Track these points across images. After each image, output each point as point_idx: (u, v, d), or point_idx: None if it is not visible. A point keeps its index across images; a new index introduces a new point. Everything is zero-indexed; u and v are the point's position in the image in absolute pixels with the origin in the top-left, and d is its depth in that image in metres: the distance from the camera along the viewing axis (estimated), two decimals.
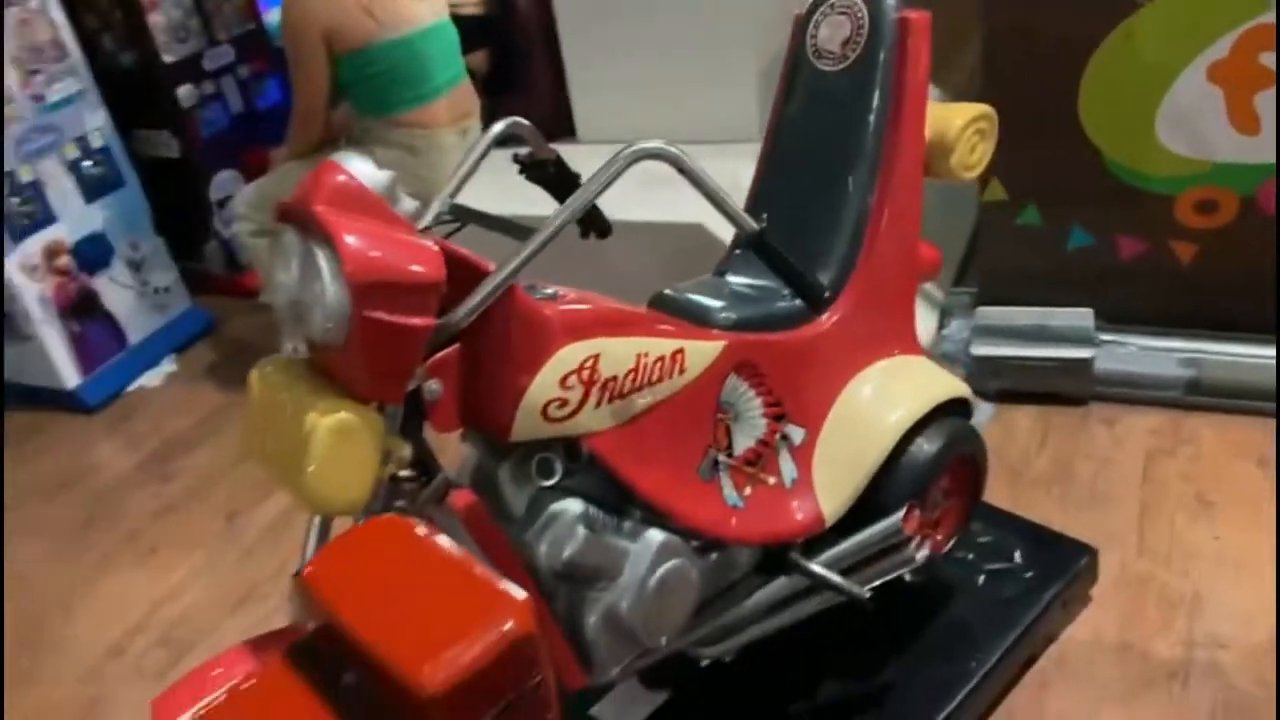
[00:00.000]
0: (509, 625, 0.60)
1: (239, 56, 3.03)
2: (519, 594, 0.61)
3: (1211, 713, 1.37)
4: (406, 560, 0.68)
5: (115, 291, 2.77)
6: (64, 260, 2.63)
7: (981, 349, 2.05)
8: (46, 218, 2.58)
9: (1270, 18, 1.75)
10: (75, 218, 2.66)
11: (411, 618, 0.60)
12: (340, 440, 1.01)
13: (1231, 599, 1.51)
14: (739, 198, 1.37)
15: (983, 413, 2.04)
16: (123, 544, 2.17)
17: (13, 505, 2.39)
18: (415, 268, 1.02)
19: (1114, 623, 1.52)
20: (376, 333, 1.01)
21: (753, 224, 1.22)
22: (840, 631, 1.46)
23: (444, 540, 0.72)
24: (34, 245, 2.56)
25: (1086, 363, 1.98)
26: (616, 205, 1.44)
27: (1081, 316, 2.02)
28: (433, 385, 1.08)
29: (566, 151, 1.42)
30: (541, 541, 1.17)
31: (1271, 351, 1.89)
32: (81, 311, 2.69)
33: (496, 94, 2.56)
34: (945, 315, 2.24)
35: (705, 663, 1.44)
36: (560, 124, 2.47)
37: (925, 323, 2.36)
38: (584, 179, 1.20)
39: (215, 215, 3.09)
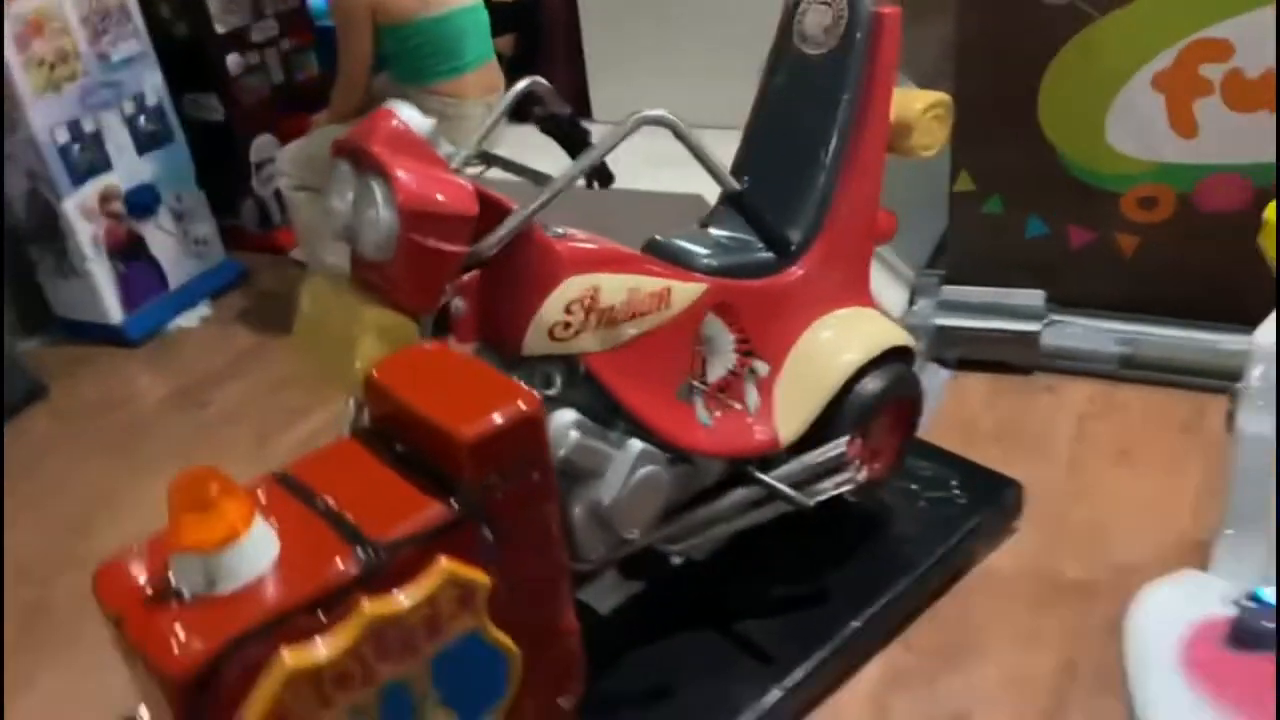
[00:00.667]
0: (523, 405, 0.83)
1: (282, 31, 3.26)
2: (533, 394, 0.84)
3: (1111, 624, 1.59)
4: (449, 368, 0.91)
5: (159, 238, 3.00)
6: (116, 205, 2.87)
7: (943, 320, 2.29)
8: (104, 165, 2.81)
9: (1210, 33, 1.97)
10: (128, 167, 2.89)
11: (453, 399, 0.84)
12: (384, 336, 1.24)
13: (1139, 533, 1.74)
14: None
15: (941, 376, 2.28)
16: (161, 458, 2.40)
17: (60, 425, 2.63)
18: (454, 201, 1.25)
19: (1034, 549, 1.75)
20: (419, 253, 1.24)
21: (735, 184, 1.46)
22: (793, 542, 1.70)
23: (478, 365, 0.96)
24: (91, 189, 2.79)
25: (1034, 336, 2.21)
26: (629, 178, 1.69)
27: (1033, 297, 2.25)
28: (458, 303, 1.32)
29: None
30: None
31: (1198, 334, 2.12)
32: (128, 253, 2.92)
33: (521, 74, 2.79)
34: (916, 293, 2.47)
35: (676, 560, 1.69)
36: (578, 104, 2.70)
37: (898, 298, 2.60)
38: (594, 138, 1.44)
39: (253, 176, 3.33)
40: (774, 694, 1.47)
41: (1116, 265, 2.22)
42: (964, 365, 2.28)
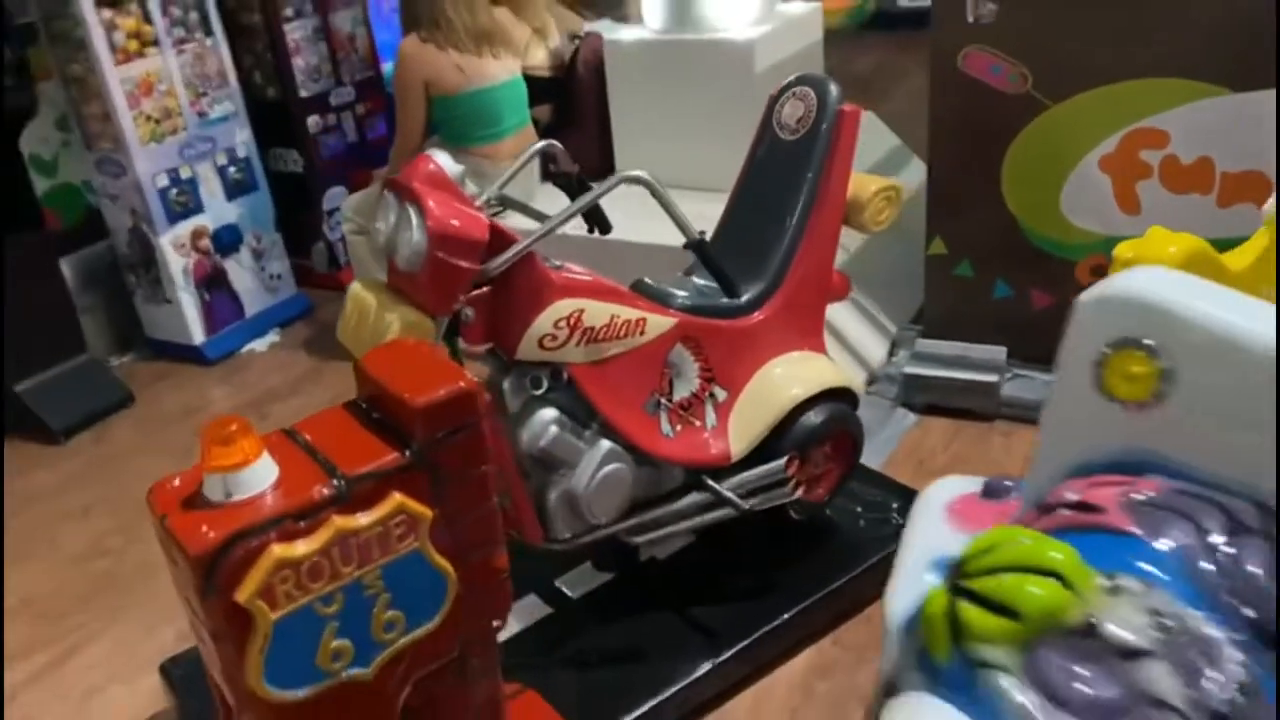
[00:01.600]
0: (463, 384, 1.12)
1: (357, 96, 3.69)
2: (473, 379, 1.14)
3: None
4: (417, 358, 1.21)
5: (239, 272, 3.42)
6: (205, 242, 3.29)
7: (912, 369, 2.53)
8: (197, 207, 3.24)
9: (1149, 123, 2.21)
10: (217, 210, 3.31)
11: (413, 378, 1.13)
12: (408, 330, 1.55)
13: None
14: None
15: (908, 420, 2.51)
16: None
17: (142, 429, 3.02)
18: (470, 229, 1.56)
19: None
20: (440, 267, 1.55)
21: (694, 233, 1.75)
22: (746, 548, 1.96)
23: (439, 354, 1.27)
24: (184, 228, 3.21)
25: (994, 386, 2.44)
26: (631, 229, 1.99)
27: (996, 352, 2.48)
28: (468, 311, 1.62)
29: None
30: (525, 432, 1.69)
31: None
32: (212, 284, 3.33)
33: (556, 139, 3.15)
34: (895, 345, 2.72)
35: (644, 558, 1.95)
36: (605, 165, 3.04)
37: (879, 349, 2.84)
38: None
39: (325, 222, 3.74)
40: (704, 667, 1.72)
41: None
42: (931, 410, 2.51)
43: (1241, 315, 0.67)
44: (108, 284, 3.35)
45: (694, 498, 1.83)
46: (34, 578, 2.38)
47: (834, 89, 1.88)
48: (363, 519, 1.08)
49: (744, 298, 1.86)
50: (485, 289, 1.61)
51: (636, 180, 1.70)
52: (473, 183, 1.85)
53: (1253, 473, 0.64)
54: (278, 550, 1.03)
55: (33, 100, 2.94)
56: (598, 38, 2.98)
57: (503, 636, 1.88)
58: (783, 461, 1.81)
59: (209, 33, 3.25)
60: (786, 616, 1.82)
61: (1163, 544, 0.62)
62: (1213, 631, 0.56)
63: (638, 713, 1.66)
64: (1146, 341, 0.69)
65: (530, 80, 3.00)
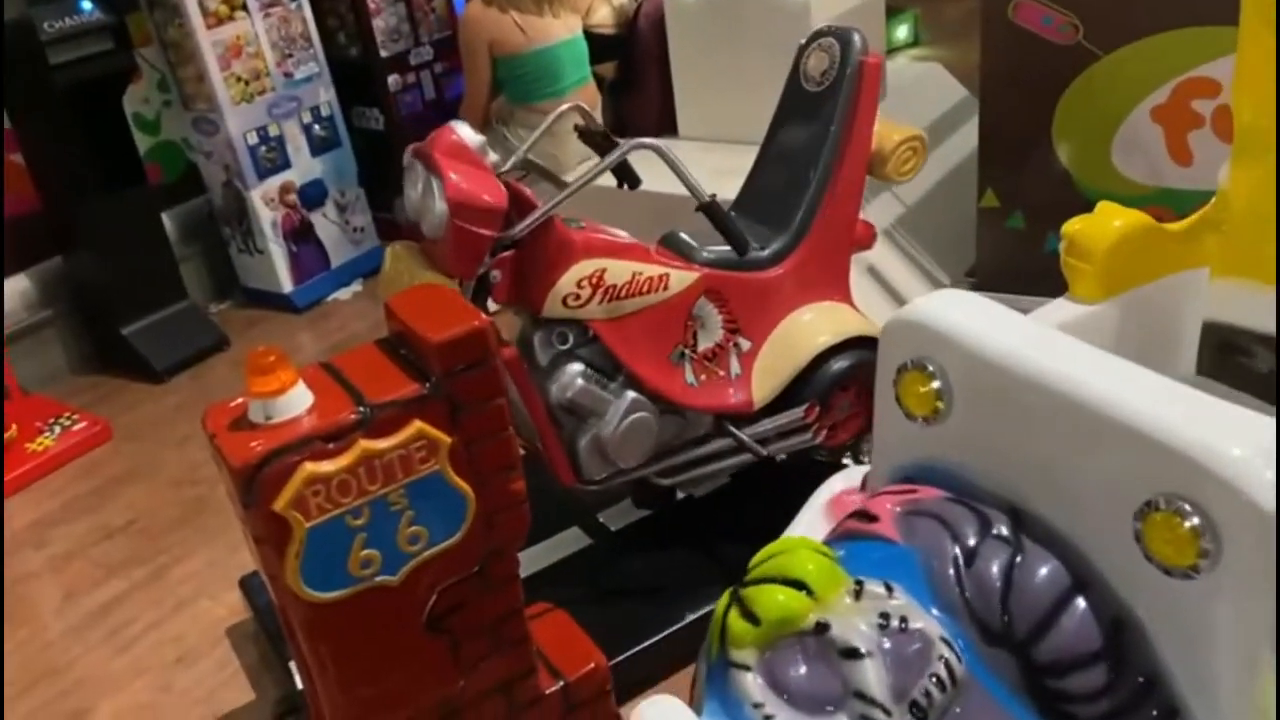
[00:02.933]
0: (476, 323, 1.25)
1: (435, 55, 3.82)
2: (485, 318, 1.26)
3: None
4: (438, 301, 1.34)
5: (325, 225, 3.62)
6: (292, 197, 3.50)
7: None
8: (284, 163, 3.44)
9: (1200, 72, 2.16)
10: (303, 166, 3.51)
11: (434, 319, 1.26)
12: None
13: None
14: None
15: None
16: None
17: (236, 371, 3.24)
18: (488, 197, 1.68)
19: None
20: (461, 235, 1.67)
21: (704, 194, 1.82)
22: (774, 489, 2.03)
23: (460, 298, 1.40)
24: (273, 183, 3.42)
25: None
26: (659, 182, 2.06)
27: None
28: (495, 273, 1.74)
29: (671, 143, 2.01)
30: (554, 385, 1.81)
31: None
32: (299, 237, 3.55)
33: (620, 95, 3.24)
34: None
35: (681, 496, 2.06)
36: (667, 122, 3.10)
37: None
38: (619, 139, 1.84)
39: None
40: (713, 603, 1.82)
41: None
42: None
43: (1008, 338, 0.71)
44: (206, 236, 3.61)
45: (719, 443, 1.92)
46: (138, 499, 2.65)
47: (857, 40, 1.91)
48: (385, 442, 1.22)
49: (768, 250, 1.93)
50: (512, 252, 1.72)
51: (645, 147, 1.78)
52: (536, 151, 1.96)
53: (1012, 484, 0.70)
54: (309, 467, 1.17)
55: (132, 63, 3.17)
56: None
57: (543, 564, 2.06)
58: (801, 409, 1.88)
59: None
60: None
61: (914, 550, 0.70)
62: (931, 630, 0.63)
63: (657, 637, 1.78)
64: (925, 363, 0.75)
65: (594, 38, 3.08)
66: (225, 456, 1.18)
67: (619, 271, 1.78)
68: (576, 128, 2.00)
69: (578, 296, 1.75)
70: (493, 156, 1.80)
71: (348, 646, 1.30)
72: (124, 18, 3.07)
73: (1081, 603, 0.63)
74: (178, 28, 3.21)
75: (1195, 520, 0.54)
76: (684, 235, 1.94)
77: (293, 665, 1.73)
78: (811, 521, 0.97)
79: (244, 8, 3.28)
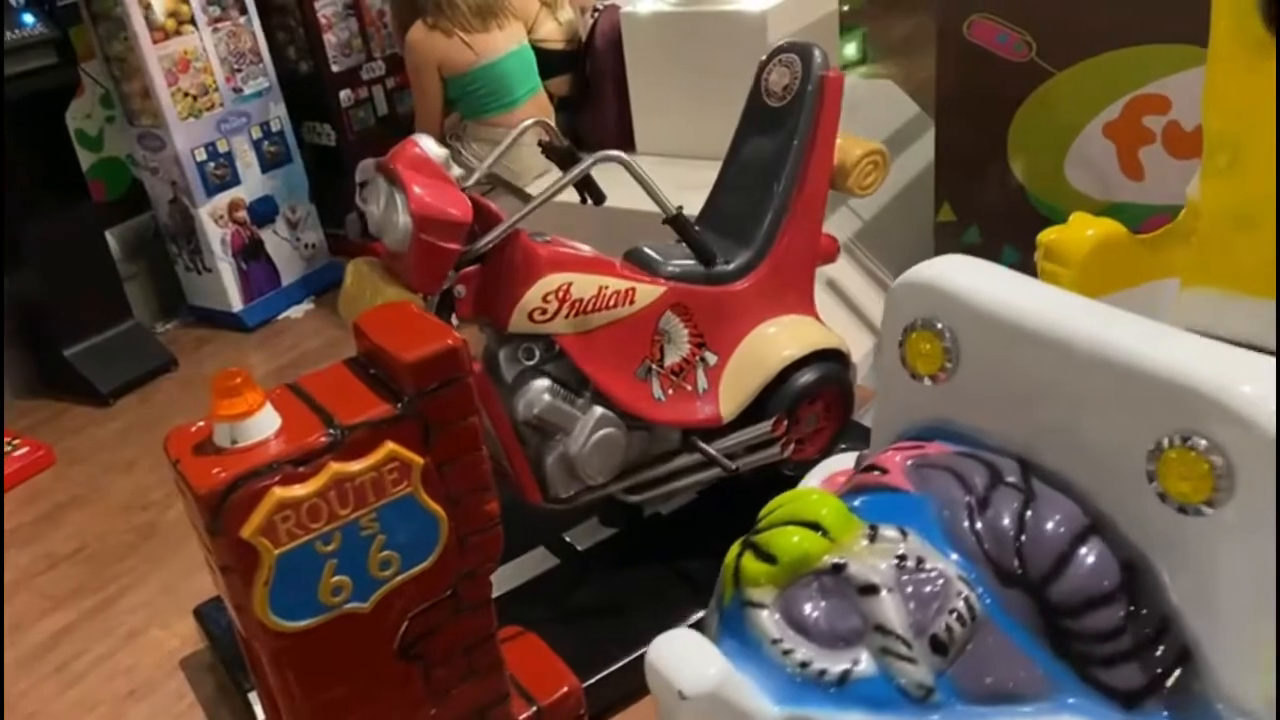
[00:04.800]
0: (449, 342, 1.22)
1: (387, 70, 3.78)
2: (459, 336, 1.23)
3: None
4: (407, 319, 1.31)
5: (276, 242, 3.55)
6: (241, 214, 3.43)
7: None
8: (233, 180, 3.37)
9: (1150, 89, 2.22)
10: (253, 182, 3.44)
11: (405, 337, 1.23)
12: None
13: None
14: None
15: None
16: None
17: (185, 391, 3.17)
18: (453, 210, 1.65)
19: None
20: (425, 249, 1.65)
21: (671, 208, 1.82)
22: (742, 505, 2.03)
23: (430, 316, 1.37)
24: (222, 199, 3.35)
25: None
26: (625, 198, 2.06)
27: None
28: (459, 288, 1.72)
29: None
30: (520, 401, 1.78)
31: None
32: (249, 254, 3.47)
33: (575, 112, 3.24)
34: None
35: (648, 514, 2.05)
36: (624, 138, 3.10)
37: None
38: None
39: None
40: (696, 615, 1.80)
41: None
42: None
43: (1015, 297, 0.73)
44: (151, 253, 3.52)
45: (687, 458, 1.91)
46: (85, 525, 2.56)
47: (818, 55, 1.93)
48: (357, 464, 1.19)
49: (733, 264, 1.92)
50: (477, 267, 1.70)
51: (612, 159, 1.77)
52: (495, 165, 1.95)
53: (1020, 437, 0.71)
54: (279, 492, 1.14)
55: (76, 78, 3.08)
56: (615, 10, 3.04)
57: (511, 585, 2.03)
58: (769, 423, 1.89)
59: (243, 10, 3.36)
60: None
61: (927, 498, 0.70)
62: (948, 569, 0.64)
63: (630, 657, 1.76)
64: (934, 322, 0.76)
65: (543, 53, 3.07)
66: (190, 483, 1.14)
67: (585, 286, 1.76)
68: (541, 143, 1.99)
69: (544, 311, 1.74)
70: (456, 170, 1.78)
71: (317, 677, 1.26)
72: (67, 31, 2.98)
73: (1095, 544, 0.64)
74: (123, 42, 3.13)
75: (1210, 455, 0.56)
76: (649, 250, 1.94)
77: (253, 696, 1.67)
78: None
79: (192, 22, 3.21)
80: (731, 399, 1.91)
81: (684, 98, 2.97)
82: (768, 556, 0.69)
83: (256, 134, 3.44)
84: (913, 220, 2.74)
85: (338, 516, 1.19)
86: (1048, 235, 1.40)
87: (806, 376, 1.93)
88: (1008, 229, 2.53)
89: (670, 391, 1.88)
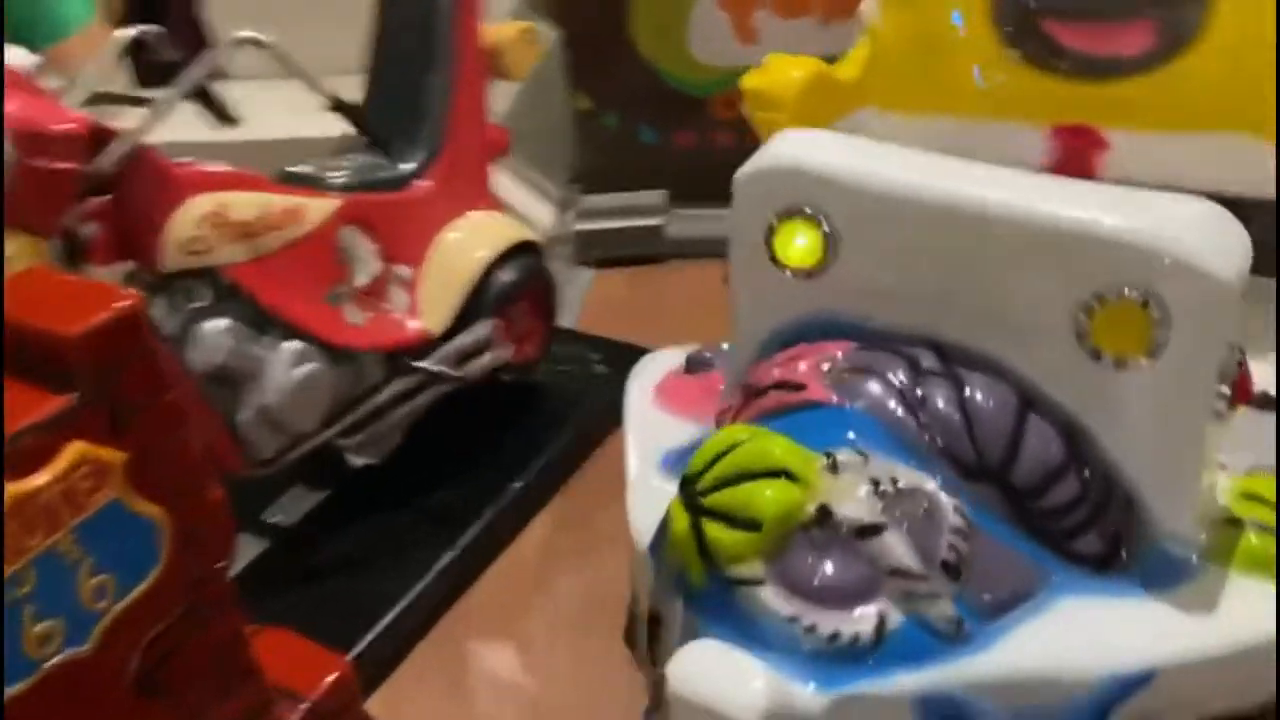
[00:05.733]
0: (124, 303, 0.93)
1: None
2: (135, 293, 0.95)
3: None
4: (57, 286, 0.99)
5: None
6: None
7: (580, 226, 2.55)
8: None
9: None
10: None
11: (63, 309, 0.93)
12: (26, 262, 1.28)
13: None
14: None
15: (586, 276, 2.55)
16: None
17: None
18: (60, 122, 1.29)
19: None
20: (37, 176, 1.27)
21: (330, 93, 1.60)
22: (461, 432, 1.89)
23: (83, 278, 1.06)
24: None
25: (660, 229, 2.53)
26: (266, 126, 1.75)
27: (655, 196, 2.56)
28: (89, 228, 1.36)
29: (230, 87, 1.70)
30: (194, 352, 1.47)
31: None
32: None
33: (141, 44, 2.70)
34: (563, 206, 2.72)
35: (357, 464, 1.83)
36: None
37: (545, 213, 2.84)
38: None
39: None
40: (448, 556, 1.65)
41: (719, 161, 2.54)
42: (606, 264, 2.56)
43: (898, 169, 0.69)
44: None
45: (403, 383, 1.72)
46: None
47: None
48: (37, 480, 0.87)
49: (406, 165, 1.74)
50: (107, 199, 1.36)
51: (252, 42, 1.51)
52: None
53: (924, 318, 0.67)
54: None
55: None
56: None
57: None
58: (490, 323, 1.76)
59: None
60: (516, 487, 1.79)
61: (862, 406, 0.65)
62: (925, 484, 0.60)
63: (383, 624, 1.57)
64: (807, 209, 0.70)
65: None
66: None
67: (244, 205, 1.48)
68: (146, 63, 1.62)
69: (200, 239, 1.43)
70: (55, 82, 1.39)
71: None
72: None
73: (1034, 417, 0.62)
74: None
75: (1144, 305, 0.55)
76: (300, 168, 1.68)
77: None
78: (648, 422, 0.85)
79: None
80: (435, 312, 1.74)
81: (273, 5, 2.59)
82: (744, 523, 0.56)
83: None
84: (548, 113, 2.68)
85: (26, 549, 0.87)
86: (751, 82, 1.39)
87: (508, 275, 1.81)
88: (644, 109, 2.55)
89: (368, 314, 1.67)
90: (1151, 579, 0.50)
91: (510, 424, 1.93)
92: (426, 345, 1.73)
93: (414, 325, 1.73)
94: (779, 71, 1.41)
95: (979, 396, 0.59)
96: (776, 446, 0.58)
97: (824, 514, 0.53)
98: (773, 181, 0.70)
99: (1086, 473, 0.59)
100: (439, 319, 1.75)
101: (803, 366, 0.69)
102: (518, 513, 1.83)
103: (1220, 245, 0.49)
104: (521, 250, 1.85)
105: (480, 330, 1.77)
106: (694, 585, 0.56)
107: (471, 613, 1.66)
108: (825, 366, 0.69)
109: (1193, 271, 0.48)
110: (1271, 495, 0.52)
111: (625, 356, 2.11)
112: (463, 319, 1.77)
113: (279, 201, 1.55)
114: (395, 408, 1.72)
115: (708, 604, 0.57)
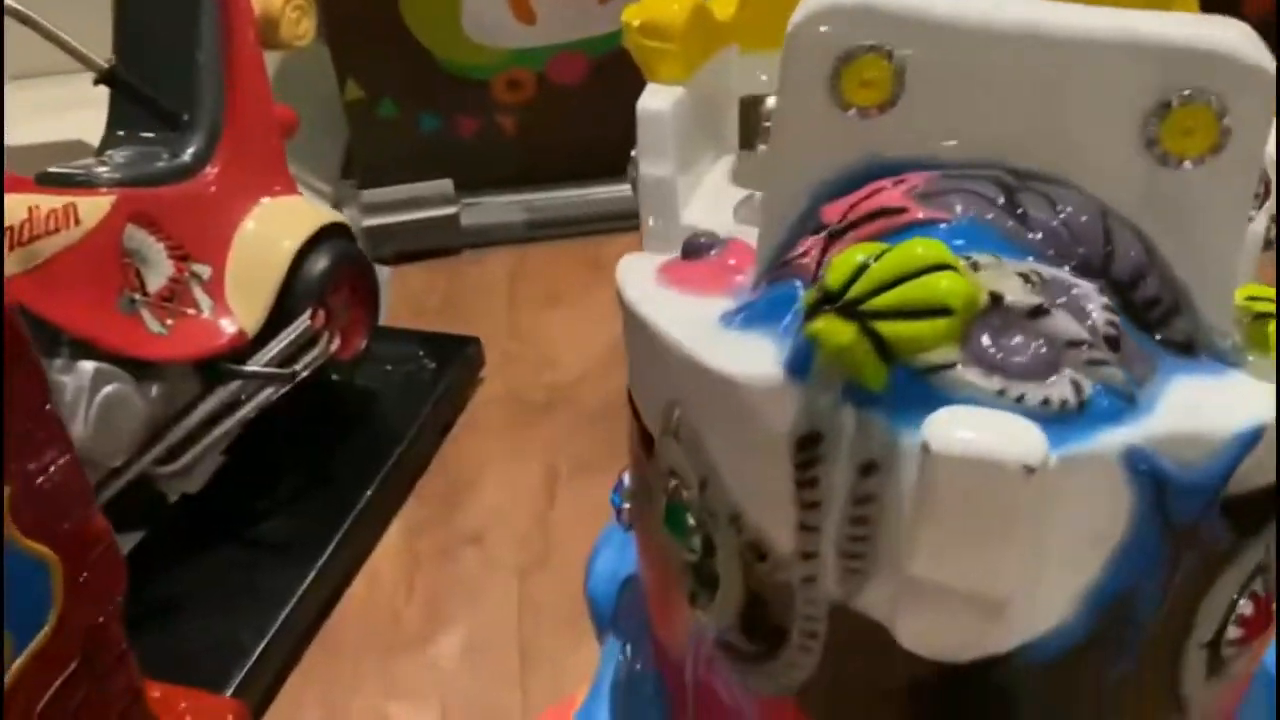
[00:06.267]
0: None
1: None
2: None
3: (573, 426, 1.86)
4: None
5: None
6: None
7: (369, 221, 2.39)
8: None
9: None
10: None
11: None
12: None
13: (580, 349, 2.03)
14: None
15: (383, 273, 2.38)
16: None
17: None
18: None
19: (502, 389, 1.97)
20: None
21: (100, 63, 1.39)
22: (291, 450, 1.71)
23: None
24: None
25: (453, 218, 2.42)
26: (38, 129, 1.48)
27: (443, 186, 2.44)
28: None
29: None
30: None
31: (581, 191, 2.47)
32: None
33: None
34: (340, 203, 2.53)
35: (174, 498, 1.59)
36: None
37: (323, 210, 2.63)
38: None
39: None
40: (305, 582, 1.47)
41: (504, 145, 2.50)
42: (402, 259, 2.42)
43: (963, 4, 0.71)
44: None
45: (223, 392, 1.51)
46: None
47: None
48: None
49: (187, 154, 1.54)
50: None
51: (14, 14, 1.28)
52: None
53: (990, 151, 0.69)
54: None
55: None
56: None
57: None
58: (307, 315, 1.59)
59: None
60: (367, 496, 1.64)
61: (968, 219, 0.66)
62: (1058, 272, 0.62)
63: (254, 657, 1.37)
64: (874, 43, 0.70)
65: None
66: None
67: (10, 209, 1.24)
68: None
69: None
70: None
71: None
72: None
73: (1114, 217, 0.64)
74: None
75: (1213, 104, 0.58)
76: (64, 168, 1.45)
77: None
78: (670, 307, 0.78)
79: None
80: (246, 312, 1.55)
81: None
82: (929, 312, 0.53)
83: None
84: (311, 105, 2.48)
85: None
86: (634, 15, 1.33)
87: (320, 263, 1.65)
88: (422, 96, 2.43)
89: (170, 321, 1.45)
90: (1219, 363, 0.54)
91: (345, 433, 1.76)
92: (243, 349, 1.54)
93: (225, 328, 1.53)
94: (659, 2, 1.36)
95: (1069, 204, 0.61)
96: (927, 247, 0.56)
97: (996, 299, 0.53)
98: (837, 17, 0.67)
99: (1161, 269, 0.63)
100: (252, 318, 1.56)
101: (894, 195, 0.67)
102: (369, 526, 1.67)
103: (1260, 46, 0.55)
104: (330, 234, 1.70)
105: (300, 325, 1.59)
106: (874, 388, 0.53)
107: (339, 636, 1.50)
108: (914, 192, 0.68)
109: (1252, 69, 0.54)
110: (1270, 293, 0.57)
111: (448, 348, 2.01)
112: (277, 316, 1.59)
113: (49, 203, 1.31)
114: (213, 426, 1.51)
115: (894, 400, 0.53)
